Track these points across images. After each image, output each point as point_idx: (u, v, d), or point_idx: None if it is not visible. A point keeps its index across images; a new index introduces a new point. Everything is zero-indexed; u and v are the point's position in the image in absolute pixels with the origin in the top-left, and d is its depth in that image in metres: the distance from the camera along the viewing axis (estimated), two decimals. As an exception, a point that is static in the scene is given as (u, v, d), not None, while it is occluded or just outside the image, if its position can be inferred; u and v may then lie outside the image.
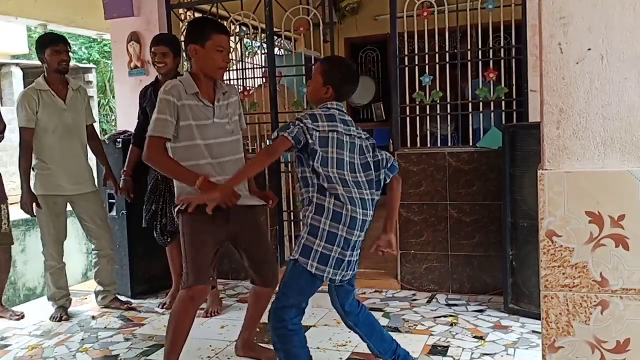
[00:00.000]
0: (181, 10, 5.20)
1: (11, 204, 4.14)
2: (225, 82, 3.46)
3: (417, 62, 4.37)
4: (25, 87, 13.92)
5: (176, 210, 2.85)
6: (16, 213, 4.30)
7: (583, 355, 1.78)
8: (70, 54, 3.99)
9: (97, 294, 4.28)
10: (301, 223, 2.61)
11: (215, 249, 2.86)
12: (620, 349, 1.75)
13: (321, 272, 2.44)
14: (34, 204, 3.86)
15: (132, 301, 4.35)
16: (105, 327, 3.86)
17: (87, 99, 4.16)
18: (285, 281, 2.53)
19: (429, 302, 4.10)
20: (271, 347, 2.69)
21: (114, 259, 4.27)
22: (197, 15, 5.11)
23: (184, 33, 2.88)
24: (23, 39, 14.92)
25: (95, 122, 4.29)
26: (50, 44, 3.84)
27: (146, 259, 4.48)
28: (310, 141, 2.42)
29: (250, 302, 3.20)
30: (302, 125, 2.42)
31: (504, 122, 4.14)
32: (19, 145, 3.89)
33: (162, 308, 4.17)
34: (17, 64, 13.72)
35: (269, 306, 2.61)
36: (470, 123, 4.30)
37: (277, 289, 2.61)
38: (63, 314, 4.07)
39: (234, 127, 2.93)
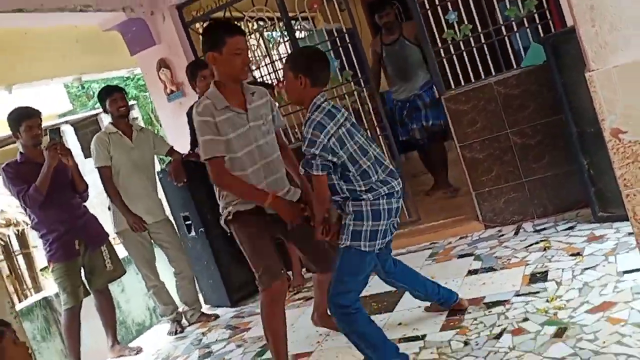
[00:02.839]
0: (198, 25, 5.29)
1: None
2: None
3: (438, 2, 4.26)
4: (79, 141, 14.49)
5: (223, 220, 2.94)
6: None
7: (682, 243, 1.74)
8: (126, 98, 4.35)
9: (184, 313, 4.57)
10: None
11: (273, 243, 2.97)
12: None
13: (372, 247, 2.64)
14: (141, 221, 4.21)
15: (217, 311, 4.59)
16: (216, 340, 4.03)
17: (151, 135, 4.54)
18: (338, 268, 2.67)
19: (516, 233, 4.05)
20: None
21: (193, 278, 4.56)
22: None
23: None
24: (64, 96, 15.51)
25: (170, 145, 4.58)
26: (107, 96, 4.26)
27: (234, 267, 4.62)
28: (335, 159, 2.58)
29: (314, 286, 3.33)
30: (319, 154, 2.55)
31: (542, 36, 4.00)
32: (102, 184, 4.27)
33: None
34: (65, 122, 14.33)
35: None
36: (508, 46, 4.17)
37: (332, 278, 2.72)
38: (178, 327, 4.45)
39: (269, 127, 2.92)
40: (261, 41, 5.56)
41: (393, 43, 5.01)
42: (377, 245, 2.66)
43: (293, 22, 5.10)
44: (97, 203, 4.34)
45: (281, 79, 5.15)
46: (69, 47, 5.79)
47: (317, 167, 2.58)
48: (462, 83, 4.26)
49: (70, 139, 14.02)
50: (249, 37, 5.29)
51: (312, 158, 2.58)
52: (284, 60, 5.44)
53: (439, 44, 4.32)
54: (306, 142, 2.58)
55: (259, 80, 5.42)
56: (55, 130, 4.11)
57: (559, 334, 2.60)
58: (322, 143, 2.55)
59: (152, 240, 4.42)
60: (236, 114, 2.78)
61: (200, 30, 5.29)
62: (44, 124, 4.07)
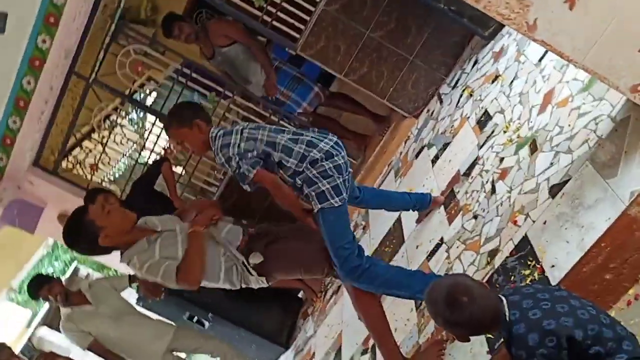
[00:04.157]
0: (64, 164, 5.09)
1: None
2: None
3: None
4: (61, 332, 14.01)
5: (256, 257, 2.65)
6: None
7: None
8: (54, 281, 4.13)
9: None
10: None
11: None
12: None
13: (342, 200, 2.58)
14: None
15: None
16: (298, 385, 4.00)
17: (104, 282, 4.35)
18: (327, 237, 2.58)
19: (440, 102, 4.12)
20: None
21: (239, 353, 4.39)
22: (77, 152, 5.01)
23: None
24: (16, 308, 14.94)
25: (126, 275, 4.34)
26: (36, 296, 4.12)
27: (263, 317, 4.58)
28: (255, 152, 2.58)
29: None
30: (241, 161, 2.56)
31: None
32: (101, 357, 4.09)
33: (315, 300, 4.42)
34: (36, 327, 13.85)
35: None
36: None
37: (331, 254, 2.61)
38: None
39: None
40: (125, 130, 5.41)
41: (213, 57, 4.59)
42: (345, 196, 2.62)
43: (136, 94, 5.00)
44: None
45: (166, 147, 5.04)
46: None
47: (248, 169, 2.57)
48: (303, 28, 4.25)
49: (53, 337, 13.52)
50: (113, 136, 5.13)
51: (238, 169, 2.57)
52: (156, 130, 5.34)
53: (261, 14, 4.28)
54: (226, 166, 2.62)
55: (150, 162, 5.29)
56: (29, 347, 3.92)
57: (533, 148, 2.66)
58: (234, 153, 2.57)
59: (183, 356, 4.32)
60: (169, 232, 2.62)
61: (70, 166, 5.12)
62: (20, 343, 3.89)
